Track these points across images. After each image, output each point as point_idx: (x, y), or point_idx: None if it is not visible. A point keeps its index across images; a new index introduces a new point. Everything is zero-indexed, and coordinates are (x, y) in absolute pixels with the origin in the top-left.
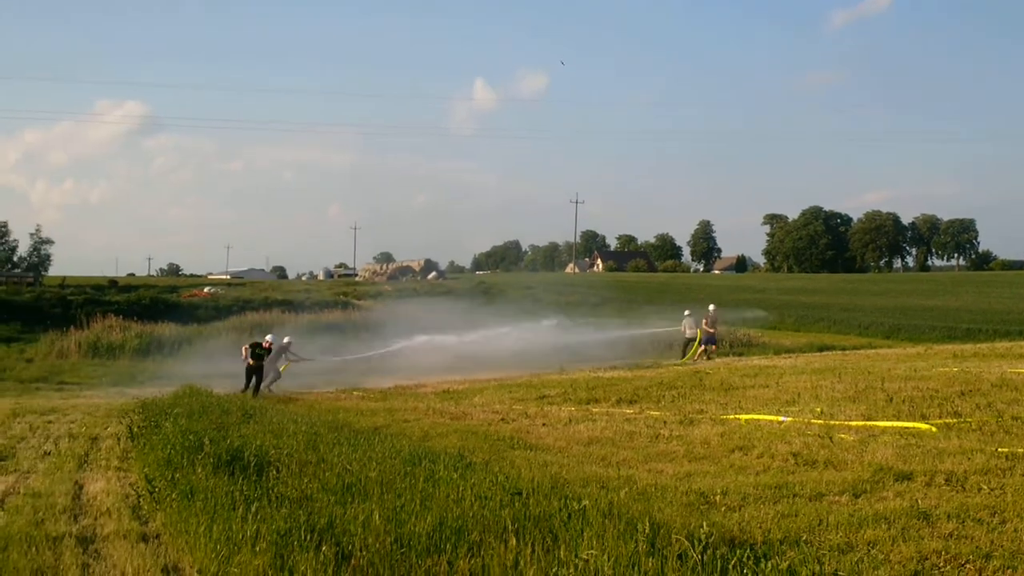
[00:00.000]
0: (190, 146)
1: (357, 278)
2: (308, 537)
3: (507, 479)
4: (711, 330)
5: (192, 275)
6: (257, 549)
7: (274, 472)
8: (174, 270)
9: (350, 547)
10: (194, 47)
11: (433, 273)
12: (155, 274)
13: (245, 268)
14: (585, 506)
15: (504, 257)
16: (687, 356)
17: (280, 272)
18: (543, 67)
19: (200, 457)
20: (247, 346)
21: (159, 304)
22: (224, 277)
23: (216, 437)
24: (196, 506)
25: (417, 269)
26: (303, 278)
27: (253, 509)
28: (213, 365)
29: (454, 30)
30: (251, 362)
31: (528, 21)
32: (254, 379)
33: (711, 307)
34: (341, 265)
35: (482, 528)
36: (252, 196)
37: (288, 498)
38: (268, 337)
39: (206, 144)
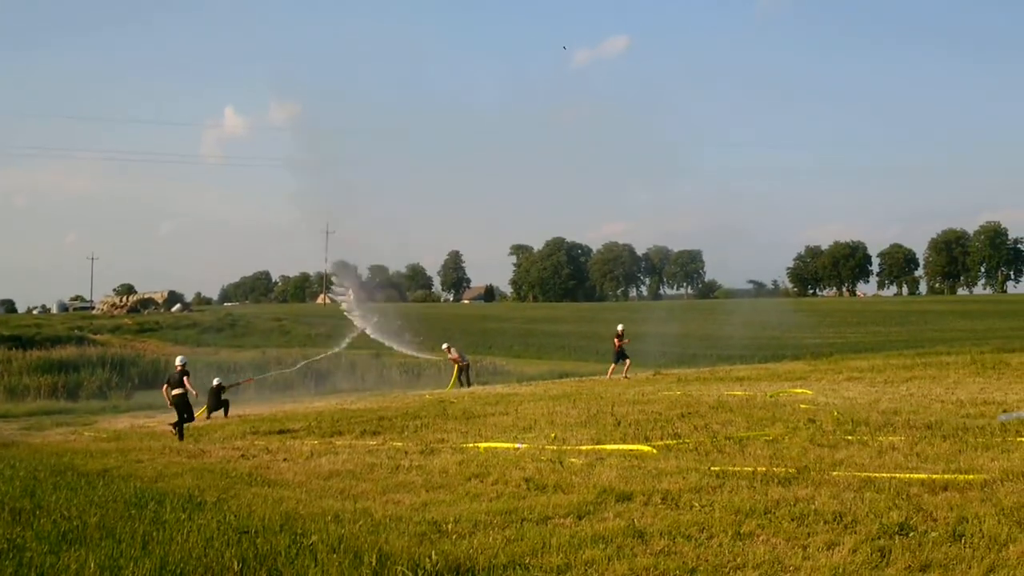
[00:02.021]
0: None
1: (95, 311)
2: None
3: (237, 518)
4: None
5: None
6: None
7: None
8: None
9: None
10: None
11: (178, 305)
12: None
13: None
14: (314, 541)
15: (254, 288)
16: (451, 385)
17: (8, 305)
18: (295, 95)
19: None
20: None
21: None
22: None
23: None
24: None
25: (160, 301)
26: (34, 312)
27: None
28: None
29: (202, 56)
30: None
31: (279, 50)
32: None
33: (619, 326)
34: (77, 298)
35: (204, 569)
36: None
37: None
38: (178, 360)
39: None
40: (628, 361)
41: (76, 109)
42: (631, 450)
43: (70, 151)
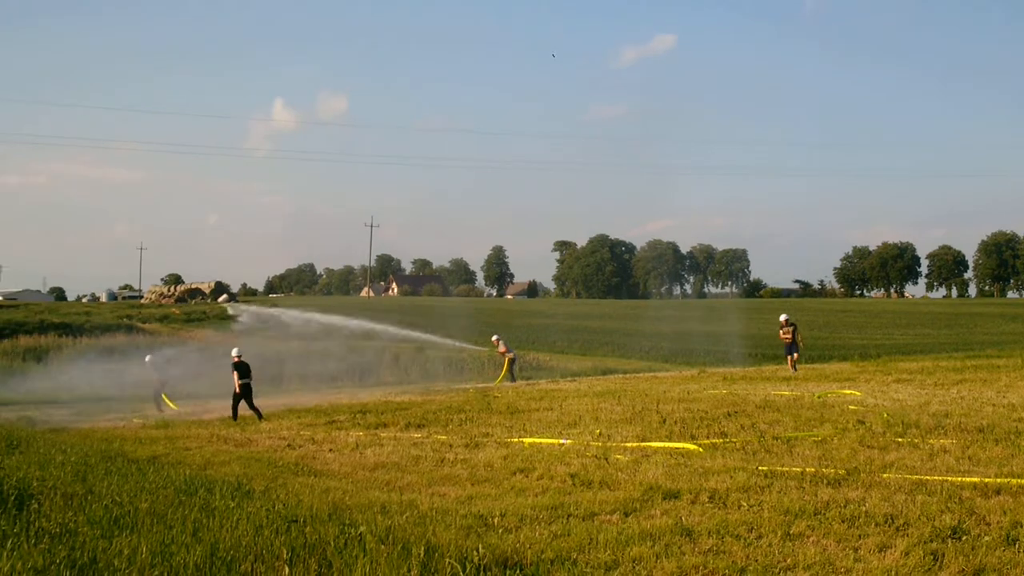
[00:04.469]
0: None
1: (143, 300)
2: (68, 573)
3: (285, 507)
4: (787, 338)
5: None
6: None
7: (36, 505)
8: None
9: None
10: None
11: (224, 296)
12: None
13: (19, 289)
14: (362, 532)
15: (299, 280)
16: (500, 378)
17: (59, 294)
18: (343, 90)
19: None
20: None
21: None
22: None
23: None
24: None
25: (207, 291)
26: (84, 300)
27: (8, 545)
28: None
29: (252, 48)
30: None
31: (327, 44)
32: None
33: (782, 316)
34: (126, 287)
35: (254, 557)
36: (29, 213)
37: (49, 533)
38: (233, 351)
39: None
40: (796, 354)
41: (126, 101)
42: (677, 448)
43: (120, 142)
